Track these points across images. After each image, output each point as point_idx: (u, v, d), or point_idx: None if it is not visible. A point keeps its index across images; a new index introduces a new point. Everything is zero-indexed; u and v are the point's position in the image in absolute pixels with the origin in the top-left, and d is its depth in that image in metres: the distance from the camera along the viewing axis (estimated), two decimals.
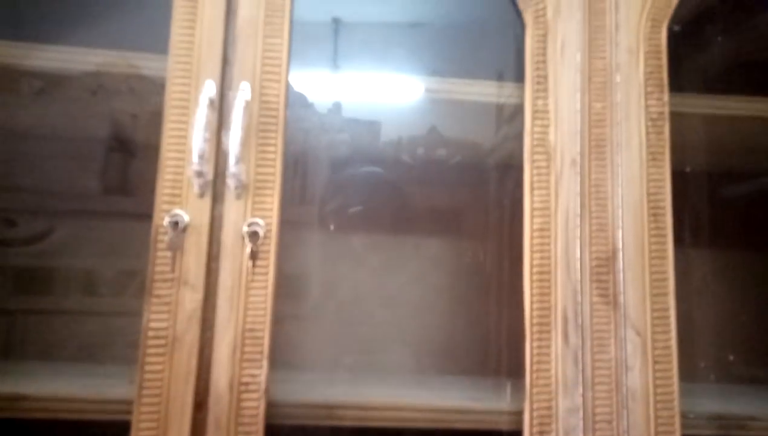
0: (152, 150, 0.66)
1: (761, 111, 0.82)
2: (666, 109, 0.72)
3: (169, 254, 0.62)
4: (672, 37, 0.74)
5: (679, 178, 0.72)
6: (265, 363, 0.62)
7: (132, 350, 0.63)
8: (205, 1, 0.68)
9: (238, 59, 0.68)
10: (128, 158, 0.99)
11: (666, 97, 0.72)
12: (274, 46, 0.68)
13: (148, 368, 0.61)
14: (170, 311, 0.62)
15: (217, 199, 0.65)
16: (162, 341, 0.61)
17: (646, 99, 0.72)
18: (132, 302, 0.91)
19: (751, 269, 1.05)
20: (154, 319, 0.61)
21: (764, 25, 0.93)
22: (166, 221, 0.62)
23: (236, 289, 0.63)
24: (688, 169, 0.91)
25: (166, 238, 0.62)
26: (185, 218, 0.63)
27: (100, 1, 0.94)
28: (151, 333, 0.61)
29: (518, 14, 0.74)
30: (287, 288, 0.94)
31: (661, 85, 0.72)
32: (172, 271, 0.62)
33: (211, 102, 0.64)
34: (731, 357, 0.98)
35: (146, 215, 0.64)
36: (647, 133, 0.71)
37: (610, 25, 0.73)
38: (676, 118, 0.72)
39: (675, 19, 0.74)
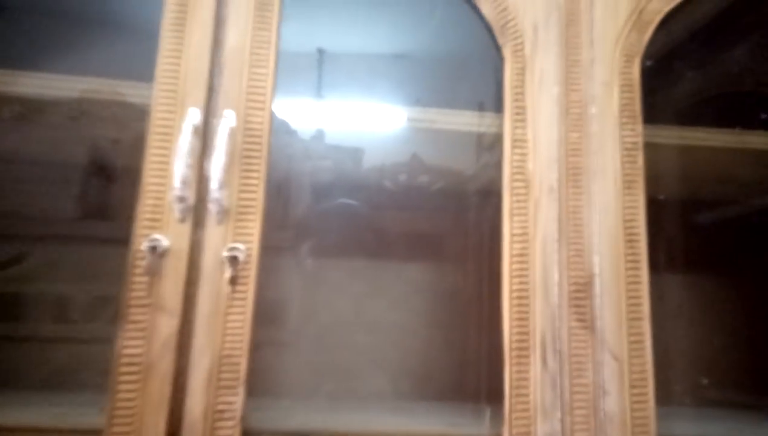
0: (132, 175, 0.66)
1: (729, 142, 0.85)
2: (640, 140, 0.74)
3: (146, 278, 0.62)
4: (645, 71, 0.76)
5: (653, 205, 0.73)
6: (241, 390, 0.61)
7: (104, 378, 0.62)
8: (192, 32, 0.69)
9: (224, 88, 0.69)
10: (107, 183, 0.98)
11: (640, 128, 0.74)
12: (260, 76, 0.69)
13: (120, 395, 0.59)
14: (145, 336, 0.61)
15: (197, 224, 0.65)
16: (135, 368, 0.60)
17: (620, 130, 0.74)
18: (105, 329, 0.89)
19: (722, 294, 1.06)
20: (129, 345, 0.60)
21: (730, 61, 0.97)
22: (145, 245, 0.62)
23: (214, 314, 0.63)
24: (662, 197, 0.93)
25: (143, 262, 0.62)
26: (164, 242, 0.63)
27: (88, 30, 0.95)
28: (124, 360, 0.60)
29: (498, 48, 0.76)
30: (266, 314, 0.94)
31: (635, 116, 0.75)
32: (149, 296, 0.62)
33: (195, 129, 0.65)
34: (705, 381, 0.98)
35: (123, 240, 0.64)
36: (622, 162, 0.73)
37: (586, 60, 0.76)
38: (650, 148, 0.74)
39: (647, 55, 0.77)
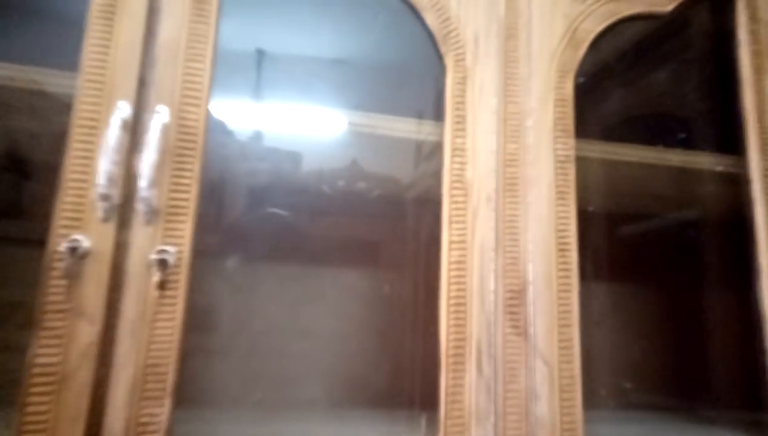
0: (51, 172, 0.62)
1: (651, 159, 0.90)
2: (572, 153, 0.77)
3: (64, 282, 0.57)
4: (577, 87, 0.80)
5: (582, 217, 0.76)
6: (167, 401, 0.58)
7: (13, 390, 0.57)
8: (122, 21, 0.65)
9: (156, 82, 0.65)
10: (22, 180, 0.91)
11: (572, 141, 0.77)
12: (196, 71, 0.67)
13: (30, 409, 0.55)
14: (62, 345, 0.56)
15: (123, 224, 0.61)
16: (49, 379, 0.55)
17: (554, 143, 0.77)
18: (16, 336, 0.82)
19: (644, 302, 1.13)
20: (42, 354, 0.56)
21: (655, 83, 1.04)
22: (64, 246, 0.57)
23: (140, 321, 0.59)
24: (591, 209, 0.97)
25: (62, 265, 0.57)
26: (85, 243, 0.58)
27: (6, 14, 0.88)
28: (37, 370, 0.55)
29: (439, 57, 0.77)
30: (196, 320, 0.90)
31: (568, 130, 0.78)
32: (67, 301, 0.57)
33: (124, 123, 0.61)
34: (628, 385, 1.04)
35: (39, 241, 0.59)
36: (555, 174, 0.76)
37: (524, 74, 0.78)
38: (580, 161, 0.78)
39: (580, 72, 0.80)
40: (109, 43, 0.64)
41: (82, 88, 0.63)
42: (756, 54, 0.88)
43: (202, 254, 0.64)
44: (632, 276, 1.09)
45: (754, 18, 0.90)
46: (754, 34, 0.89)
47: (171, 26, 0.67)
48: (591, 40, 0.82)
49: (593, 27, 0.82)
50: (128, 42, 0.65)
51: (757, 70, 0.88)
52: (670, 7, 0.87)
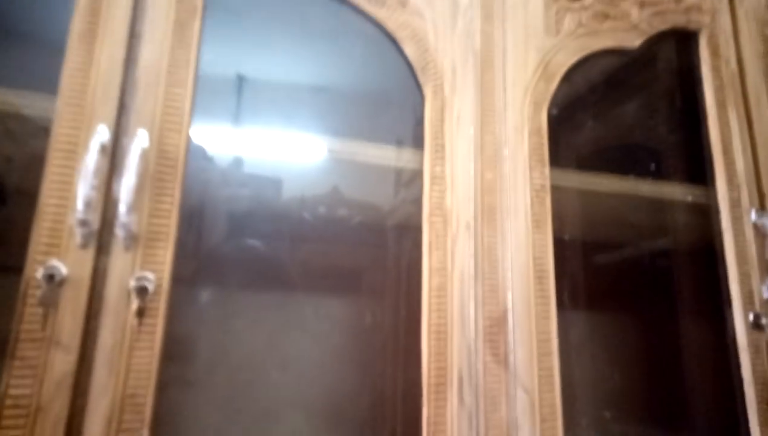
0: (26, 197, 0.61)
1: (624, 188, 0.93)
2: (547, 182, 0.79)
3: (40, 310, 0.56)
4: (551, 118, 0.82)
5: (558, 245, 0.78)
6: (145, 433, 0.56)
7: None
8: (103, 45, 0.65)
9: (137, 106, 0.65)
10: None
11: (547, 171, 0.79)
12: (177, 96, 0.67)
13: None
14: (36, 375, 0.55)
15: (102, 250, 0.60)
16: (22, 411, 0.53)
17: (530, 172, 0.79)
18: None
19: (620, 330, 1.15)
20: (15, 384, 0.54)
21: (626, 115, 1.07)
22: (40, 273, 0.56)
23: (117, 350, 0.58)
24: (566, 238, 0.99)
25: (38, 292, 0.56)
26: (63, 270, 0.57)
27: None
28: (9, 402, 0.53)
29: (418, 87, 0.79)
30: (175, 350, 0.88)
31: (543, 160, 0.80)
32: (42, 329, 0.56)
33: (103, 148, 0.61)
34: (608, 414, 1.05)
35: (12, 268, 0.57)
36: (532, 202, 0.77)
37: (499, 104, 0.81)
38: (556, 190, 0.80)
39: (553, 103, 0.83)
40: (89, 67, 0.64)
41: (61, 111, 0.62)
42: (718, 89, 0.92)
43: (179, 281, 0.63)
44: (609, 304, 1.11)
45: (716, 54, 0.94)
46: (716, 70, 0.93)
47: (152, 51, 0.67)
48: (563, 74, 0.85)
49: (565, 61, 0.85)
50: (108, 66, 0.65)
51: (721, 105, 0.92)
52: (637, 43, 0.91)
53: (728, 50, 0.95)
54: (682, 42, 0.97)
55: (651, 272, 1.06)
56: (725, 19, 0.97)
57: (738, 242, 0.86)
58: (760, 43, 0.97)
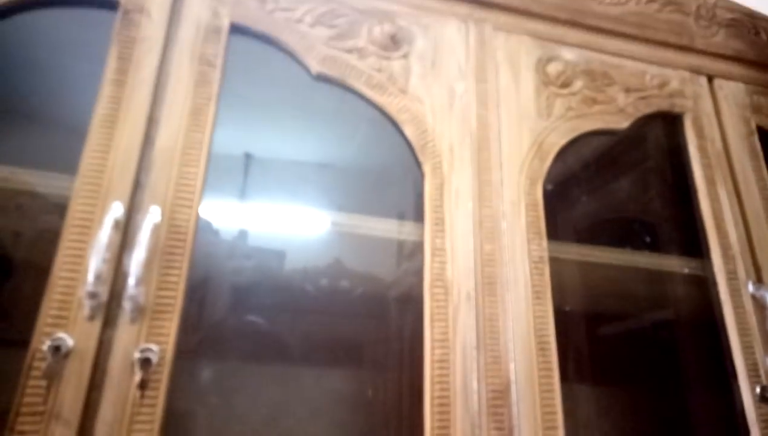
0: (33, 271, 0.62)
1: (621, 260, 0.95)
2: (545, 254, 0.81)
3: (43, 383, 0.56)
4: (547, 193, 0.85)
5: (560, 316, 0.78)
6: None
7: None
8: (123, 129, 0.69)
9: (151, 184, 0.68)
10: (2, 278, 0.90)
11: (544, 243, 0.81)
12: (189, 175, 0.70)
13: None
14: None
15: (108, 322, 0.61)
16: None
17: (528, 244, 0.81)
18: None
19: (628, 404, 1.11)
20: None
21: (620, 190, 1.11)
22: (47, 345, 0.57)
23: (118, 423, 0.57)
24: (568, 309, 1.00)
25: (43, 364, 0.56)
26: (69, 342, 0.58)
27: (9, 120, 0.91)
28: None
29: (418, 164, 0.83)
30: (174, 424, 0.86)
31: (540, 233, 0.82)
32: (44, 403, 0.56)
33: (117, 223, 0.63)
34: None
35: (17, 342, 0.58)
36: (531, 274, 0.79)
37: (496, 180, 0.84)
38: (555, 262, 0.81)
39: (548, 179, 0.86)
40: (109, 148, 0.68)
41: (79, 188, 0.65)
42: (706, 166, 0.96)
43: (182, 353, 0.64)
44: (615, 377, 1.09)
45: (701, 135, 0.99)
46: (702, 150, 0.98)
47: (168, 134, 0.71)
48: (556, 152, 0.89)
49: (557, 140, 0.89)
50: (127, 147, 0.69)
51: (710, 181, 0.95)
52: (625, 125, 0.96)
53: (712, 131, 1.00)
54: (668, 123, 1.02)
55: (655, 344, 1.06)
56: (707, 103, 1.02)
57: (738, 314, 0.86)
58: (742, 125, 1.02)
